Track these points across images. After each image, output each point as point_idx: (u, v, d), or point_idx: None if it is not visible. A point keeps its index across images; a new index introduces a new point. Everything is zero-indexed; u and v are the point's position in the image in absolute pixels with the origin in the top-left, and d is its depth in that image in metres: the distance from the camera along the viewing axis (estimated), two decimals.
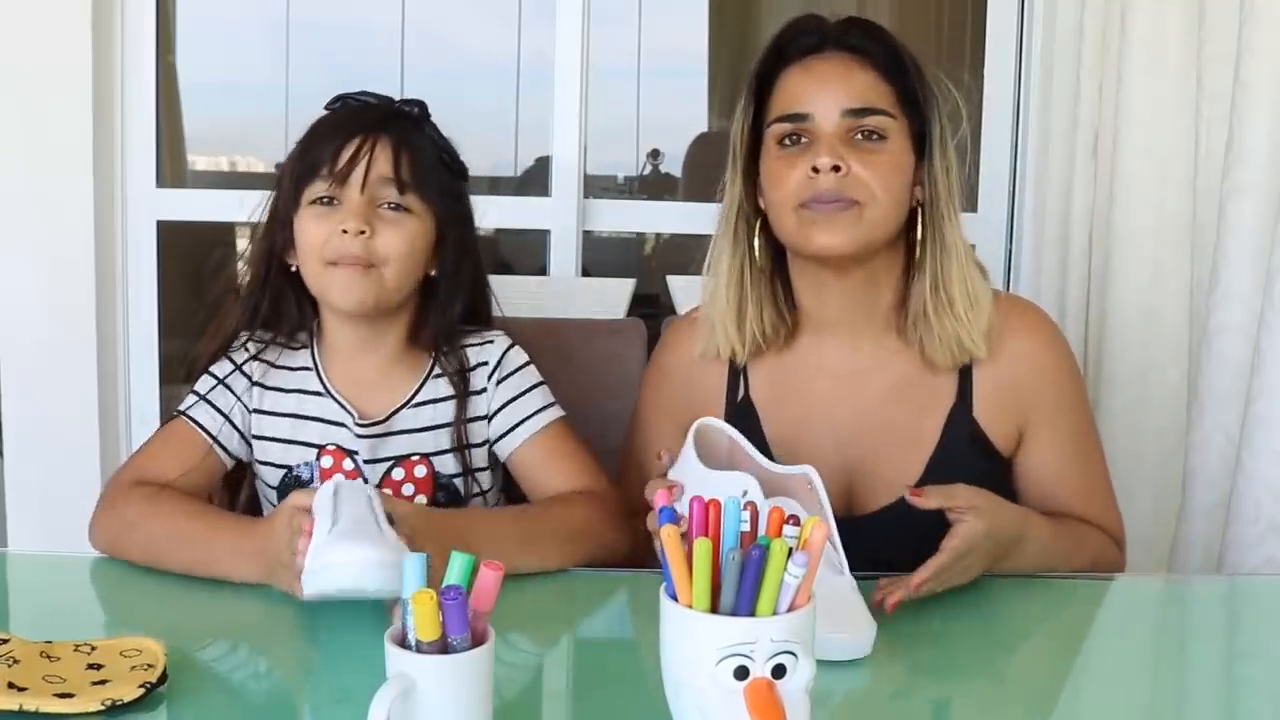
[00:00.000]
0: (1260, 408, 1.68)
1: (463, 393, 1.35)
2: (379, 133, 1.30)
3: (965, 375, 1.30)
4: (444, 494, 1.35)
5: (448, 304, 1.36)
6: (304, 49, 2.79)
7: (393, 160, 1.29)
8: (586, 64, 2.04)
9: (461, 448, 1.35)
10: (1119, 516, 1.39)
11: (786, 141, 1.25)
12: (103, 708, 0.85)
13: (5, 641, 0.92)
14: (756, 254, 1.29)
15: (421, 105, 1.37)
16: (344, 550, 1.01)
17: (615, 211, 2.18)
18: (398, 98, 1.38)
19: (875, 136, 1.23)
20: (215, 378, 1.36)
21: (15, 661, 0.89)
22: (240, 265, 1.42)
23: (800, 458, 1.18)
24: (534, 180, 2.45)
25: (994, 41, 2.09)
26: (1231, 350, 1.77)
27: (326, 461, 1.33)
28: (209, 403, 1.35)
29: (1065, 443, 1.33)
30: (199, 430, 1.34)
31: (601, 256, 2.36)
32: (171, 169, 2.40)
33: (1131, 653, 1.10)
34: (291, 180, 1.31)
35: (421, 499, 1.33)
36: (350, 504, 1.07)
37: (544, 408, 1.37)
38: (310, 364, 1.37)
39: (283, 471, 1.35)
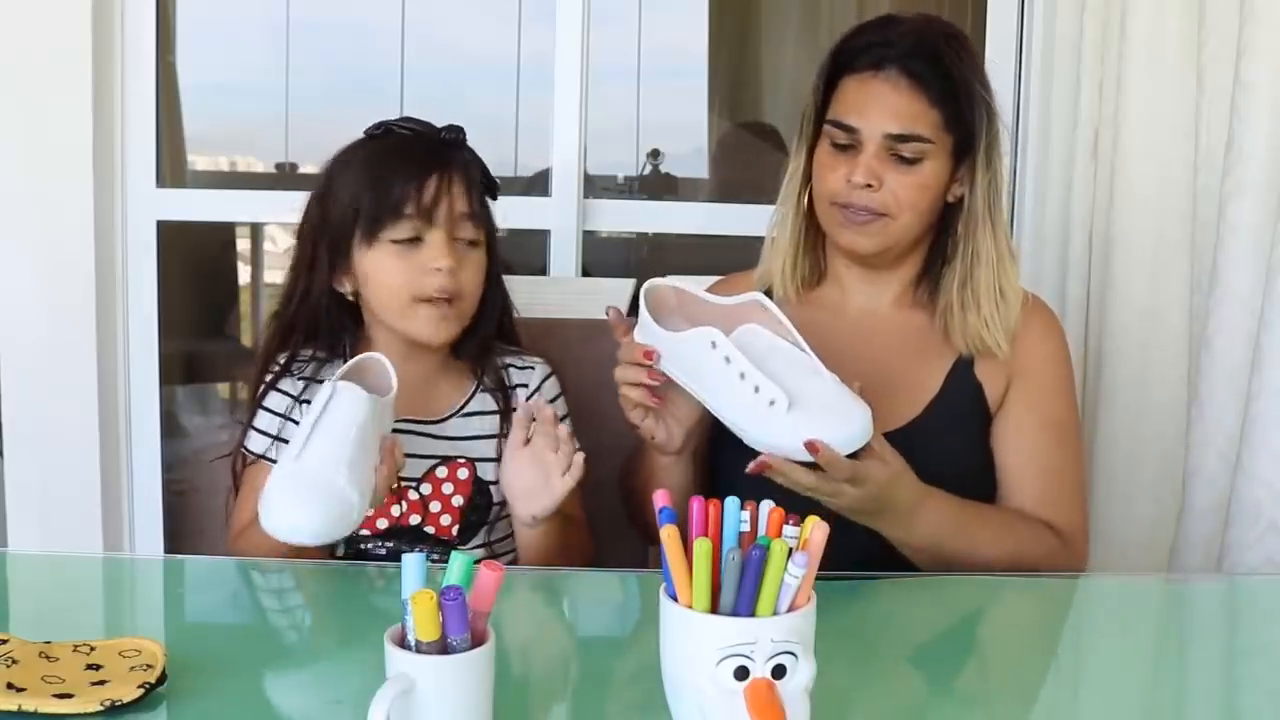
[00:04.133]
0: (1260, 407, 1.68)
1: (505, 408, 1.41)
2: (450, 166, 1.33)
3: None
4: (481, 497, 1.38)
5: (488, 319, 1.41)
6: (304, 49, 2.79)
7: (466, 195, 1.34)
8: (586, 64, 2.04)
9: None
10: (1081, 517, 1.39)
11: (837, 140, 1.35)
12: (102, 708, 0.85)
13: (4, 642, 0.92)
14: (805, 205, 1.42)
15: (461, 131, 1.40)
16: (286, 505, 1.12)
17: (615, 211, 2.18)
18: (440, 125, 1.39)
19: (913, 160, 1.32)
20: (279, 414, 1.38)
21: (14, 662, 0.89)
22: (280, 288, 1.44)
23: None
24: (537, 188, 2.45)
25: (994, 41, 2.09)
26: (1231, 350, 1.77)
27: None
28: (283, 440, 1.36)
29: (1037, 421, 1.38)
30: None
31: (601, 256, 2.36)
32: (171, 169, 2.41)
33: (1132, 653, 1.10)
34: (364, 217, 1.32)
35: (459, 499, 1.37)
36: (331, 425, 1.15)
37: None
38: None
39: None
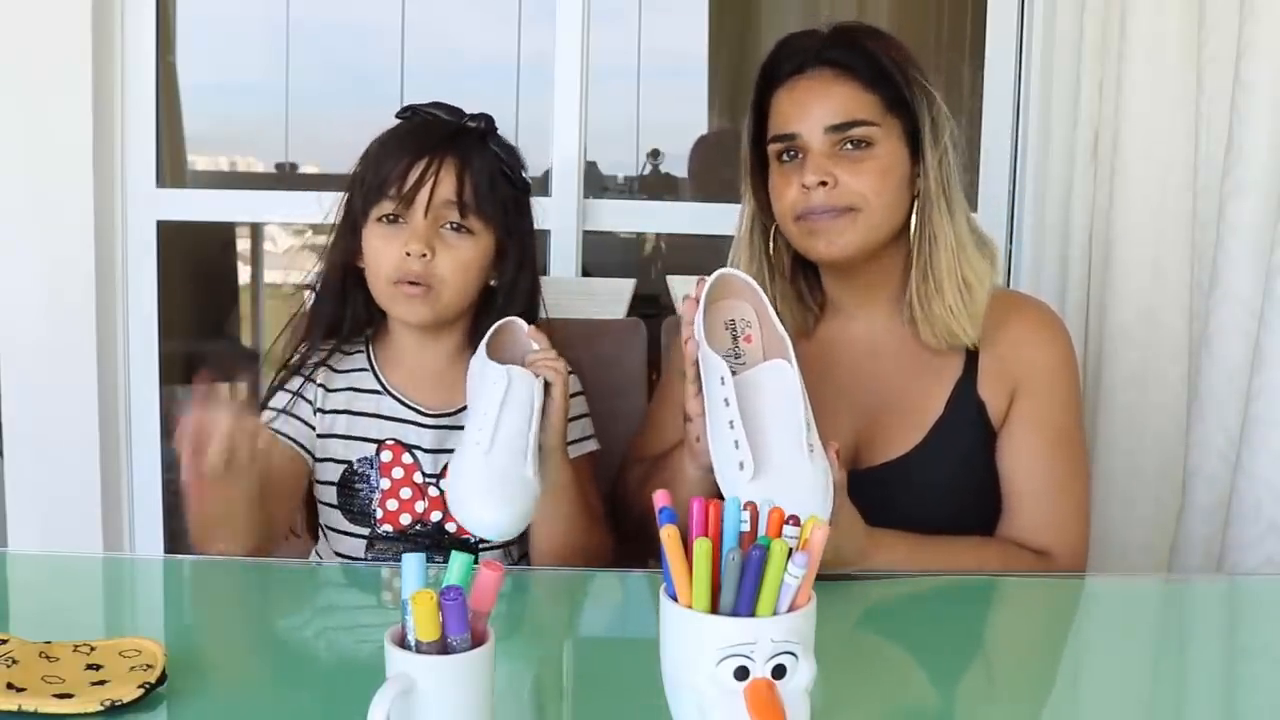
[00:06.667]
0: (1260, 408, 1.68)
1: None
2: (445, 152, 1.33)
3: (972, 354, 1.36)
4: None
5: (504, 312, 1.38)
6: (304, 49, 2.79)
7: (456, 182, 1.33)
8: (586, 64, 2.04)
9: None
10: (1080, 536, 1.36)
11: (784, 157, 1.33)
12: (102, 708, 0.85)
13: (4, 642, 0.92)
14: (774, 257, 1.38)
15: (488, 119, 1.40)
16: (489, 503, 1.10)
17: (615, 211, 2.18)
18: (468, 112, 1.39)
19: (863, 144, 1.30)
20: (290, 392, 1.40)
21: (14, 662, 0.89)
22: (313, 271, 1.44)
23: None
24: (536, 187, 2.46)
25: (994, 42, 2.09)
26: (1231, 350, 1.77)
27: (386, 456, 1.37)
28: (290, 415, 1.39)
29: (1040, 439, 1.35)
30: (286, 441, 1.38)
31: (601, 257, 2.36)
32: (171, 169, 2.40)
33: (1132, 653, 1.10)
34: (361, 193, 1.35)
35: None
36: (512, 418, 1.14)
37: (583, 439, 1.43)
38: (365, 365, 1.42)
39: (343, 467, 1.39)
